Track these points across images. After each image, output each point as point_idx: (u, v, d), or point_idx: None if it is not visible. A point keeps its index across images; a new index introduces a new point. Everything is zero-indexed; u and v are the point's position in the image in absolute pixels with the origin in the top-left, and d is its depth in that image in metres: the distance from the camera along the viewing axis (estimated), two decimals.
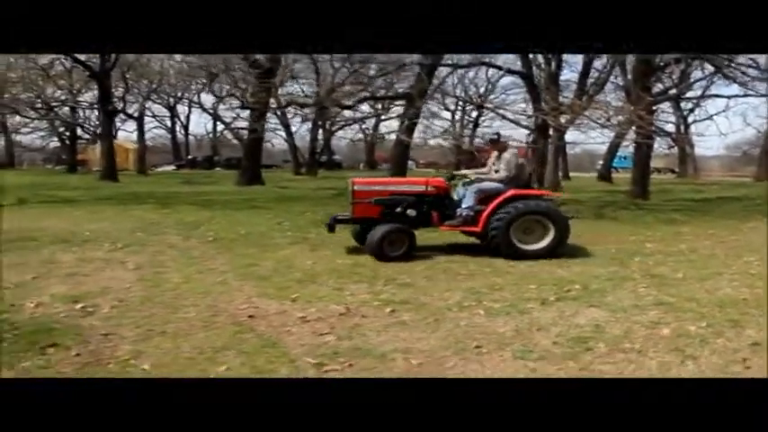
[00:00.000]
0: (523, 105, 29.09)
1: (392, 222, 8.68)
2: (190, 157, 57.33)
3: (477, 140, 41.69)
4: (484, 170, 9.80)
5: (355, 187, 9.08)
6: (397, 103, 28.30)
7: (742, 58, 21.98)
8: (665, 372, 4.40)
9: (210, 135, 62.16)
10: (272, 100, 23.66)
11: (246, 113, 42.16)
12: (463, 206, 9.00)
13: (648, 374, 4.37)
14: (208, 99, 47.90)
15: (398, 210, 8.92)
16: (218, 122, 54.26)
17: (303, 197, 20.62)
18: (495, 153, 9.58)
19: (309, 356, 4.66)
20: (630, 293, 6.68)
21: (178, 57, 36.93)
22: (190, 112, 58.44)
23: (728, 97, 31.83)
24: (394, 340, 5.08)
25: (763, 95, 28.42)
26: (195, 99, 48.58)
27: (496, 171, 9.33)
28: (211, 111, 47.65)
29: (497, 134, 10.03)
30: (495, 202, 8.78)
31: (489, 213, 8.72)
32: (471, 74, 38.18)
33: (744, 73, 23.50)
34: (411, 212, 8.95)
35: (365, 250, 8.69)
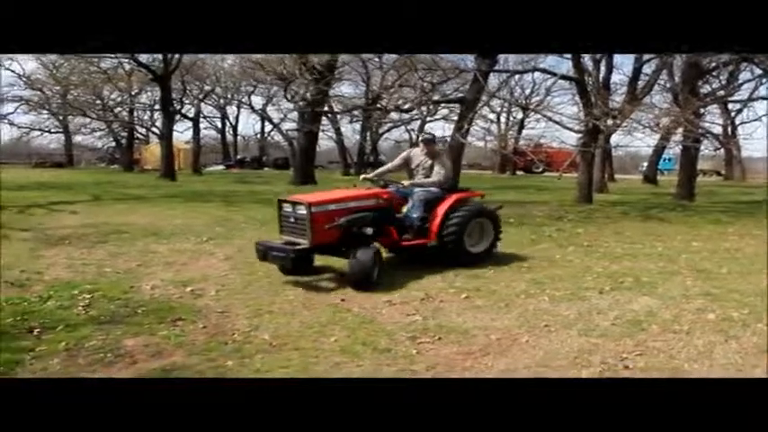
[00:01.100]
0: (574, 108, 29.48)
1: (361, 244, 7.33)
2: (239, 157, 58.74)
3: (521, 143, 42.22)
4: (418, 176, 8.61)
5: (313, 210, 7.26)
6: (442, 105, 29.09)
7: None
8: (710, 351, 5.10)
9: (258, 136, 63.57)
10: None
11: (294, 114, 43.74)
12: (414, 216, 8.15)
13: (696, 353, 5.07)
14: (257, 101, 49.46)
15: (355, 230, 7.51)
16: (266, 123, 55.87)
17: None
18: (423, 155, 8.61)
19: (403, 332, 5.50)
20: (679, 285, 7.35)
21: (230, 59, 38.25)
22: (239, 113, 59.96)
23: None
24: (472, 320, 5.89)
25: None
26: (245, 100, 50.07)
27: (426, 176, 8.47)
28: (260, 112, 49.34)
29: (432, 135, 9.04)
30: (444, 208, 8.15)
31: (441, 221, 8.06)
32: (517, 76, 38.70)
33: None
34: (368, 230, 7.56)
35: (348, 279, 7.23)
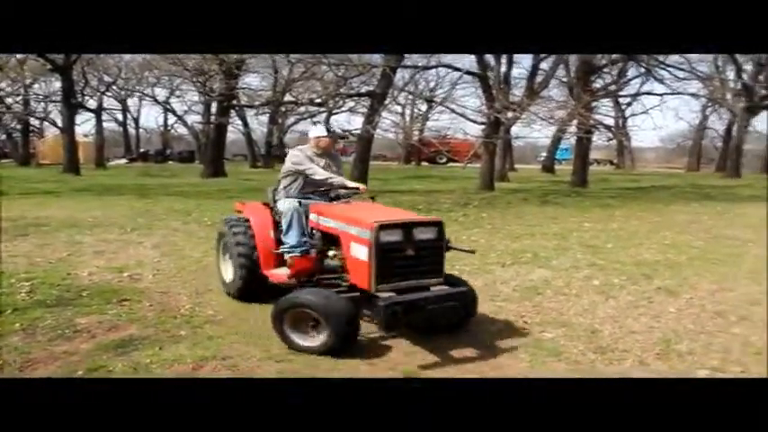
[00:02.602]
0: (477, 101, 30.74)
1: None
2: (142, 150, 57.38)
3: (426, 134, 43.44)
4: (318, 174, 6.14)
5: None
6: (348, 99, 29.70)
7: (671, 60, 24.25)
8: (593, 309, 6.07)
9: (161, 128, 62.25)
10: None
11: (200, 107, 43.19)
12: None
13: (582, 310, 6.03)
14: (160, 92, 48.50)
15: None
16: (169, 115, 54.86)
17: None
18: (313, 150, 6.34)
19: None
20: (570, 258, 8.41)
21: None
22: (141, 105, 58.58)
23: (660, 95, 34.26)
24: None
25: (690, 94, 31.08)
26: (148, 92, 49.06)
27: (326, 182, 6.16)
28: (163, 104, 48.48)
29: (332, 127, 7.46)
30: None
31: None
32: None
33: (673, 74, 25.87)
34: None
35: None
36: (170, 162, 53.09)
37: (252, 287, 6.17)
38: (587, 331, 5.42)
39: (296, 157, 6.24)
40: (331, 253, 5.44)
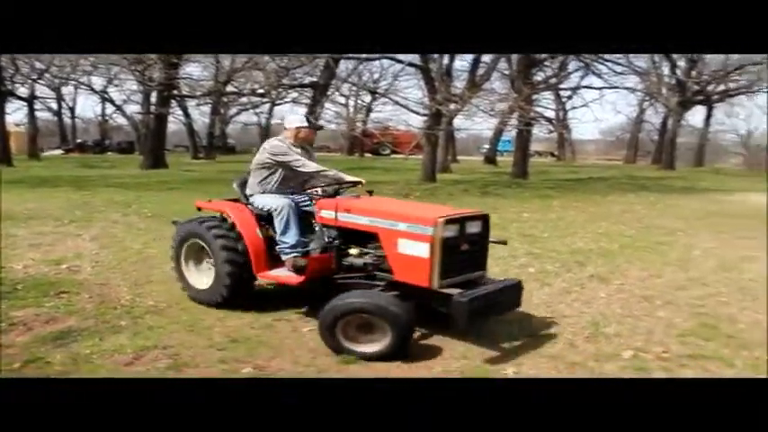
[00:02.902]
0: (420, 93, 30.98)
1: None
2: (79, 141, 55.77)
3: (369, 125, 43.55)
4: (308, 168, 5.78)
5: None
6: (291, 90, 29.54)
7: (610, 55, 24.97)
8: (528, 295, 6.27)
9: (99, 118, 60.55)
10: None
11: (139, 97, 42.14)
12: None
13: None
14: (97, 81, 47.05)
15: None
16: (107, 105, 53.42)
17: (213, 179, 21.55)
18: (290, 141, 5.92)
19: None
20: (508, 247, 8.60)
21: None
22: (77, 94, 56.83)
23: (599, 88, 35.14)
24: None
25: (627, 88, 32.10)
26: (84, 80, 47.55)
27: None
28: (101, 93, 47.14)
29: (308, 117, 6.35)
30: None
31: None
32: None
33: (611, 69, 26.67)
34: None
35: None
36: (109, 153, 51.85)
37: (241, 291, 5.66)
38: (520, 317, 5.59)
39: (278, 148, 5.77)
40: (354, 251, 5.20)
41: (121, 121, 57.14)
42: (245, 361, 4.48)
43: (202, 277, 5.92)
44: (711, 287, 6.98)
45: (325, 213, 5.29)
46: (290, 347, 4.80)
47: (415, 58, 20.18)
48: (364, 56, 21.06)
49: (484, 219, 5.00)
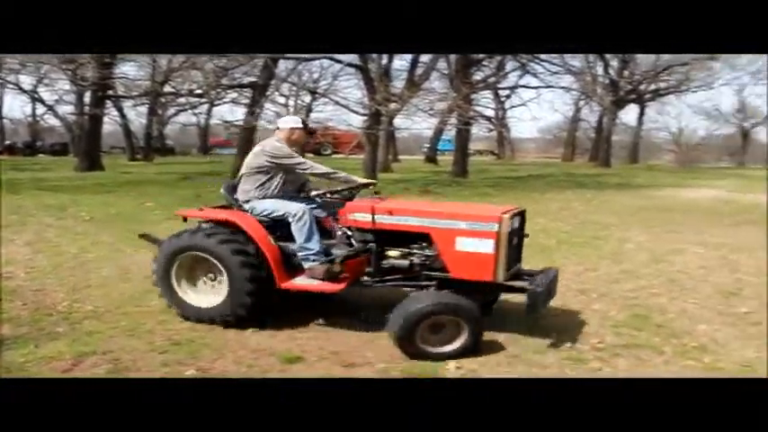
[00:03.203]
0: (359, 93, 31.00)
1: None
2: (8, 142, 53.76)
3: (310, 125, 43.25)
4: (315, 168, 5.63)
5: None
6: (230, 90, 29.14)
7: (545, 54, 25.54)
8: None
9: (29, 119, 58.46)
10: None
11: (72, 97, 40.89)
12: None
13: None
14: (26, 80, 45.44)
15: None
16: (38, 105, 51.64)
17: (151, 181, 21.17)
18: (282, 143, 5.66)
19: None
20: None
21: None
22: (3, 93, 54.69)
23: (536, 88, 35.87)
24: None
25: (562, 87, 32.90)
26: (11, 79, 45.87)
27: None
28: (31, 92, 45.50)
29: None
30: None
31: None
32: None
33: (547, 69, 27.30)
34: None
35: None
36: (41, 155, 50.12)
37: (264, 304, 5.25)
38: None
39: (280, 150, 5.46)
40: (394, 253, 5.08)
41: (54, 122, 55.37)
42: (188, 363, 4.45)
43: (205, 295, 5.39)
44: (643, 279, 7.29)
45: (360, 216, 5.13)
46: (232, 348, 4.78)
47: (354, 58, 20.25)
48: (303, 56, 21.01)
49: (523, 214, 5.32)
